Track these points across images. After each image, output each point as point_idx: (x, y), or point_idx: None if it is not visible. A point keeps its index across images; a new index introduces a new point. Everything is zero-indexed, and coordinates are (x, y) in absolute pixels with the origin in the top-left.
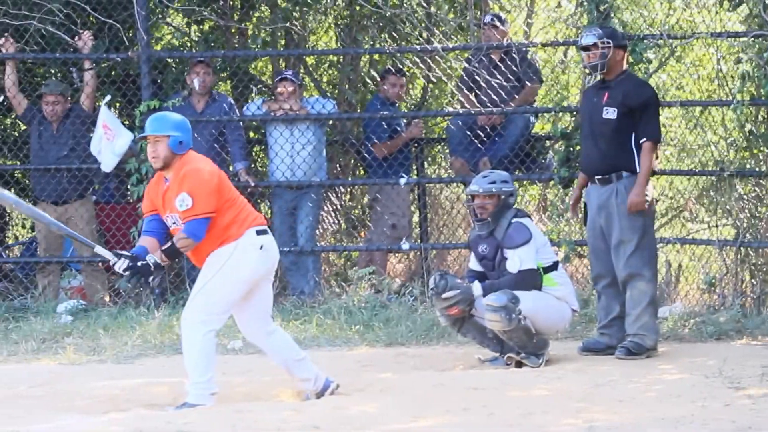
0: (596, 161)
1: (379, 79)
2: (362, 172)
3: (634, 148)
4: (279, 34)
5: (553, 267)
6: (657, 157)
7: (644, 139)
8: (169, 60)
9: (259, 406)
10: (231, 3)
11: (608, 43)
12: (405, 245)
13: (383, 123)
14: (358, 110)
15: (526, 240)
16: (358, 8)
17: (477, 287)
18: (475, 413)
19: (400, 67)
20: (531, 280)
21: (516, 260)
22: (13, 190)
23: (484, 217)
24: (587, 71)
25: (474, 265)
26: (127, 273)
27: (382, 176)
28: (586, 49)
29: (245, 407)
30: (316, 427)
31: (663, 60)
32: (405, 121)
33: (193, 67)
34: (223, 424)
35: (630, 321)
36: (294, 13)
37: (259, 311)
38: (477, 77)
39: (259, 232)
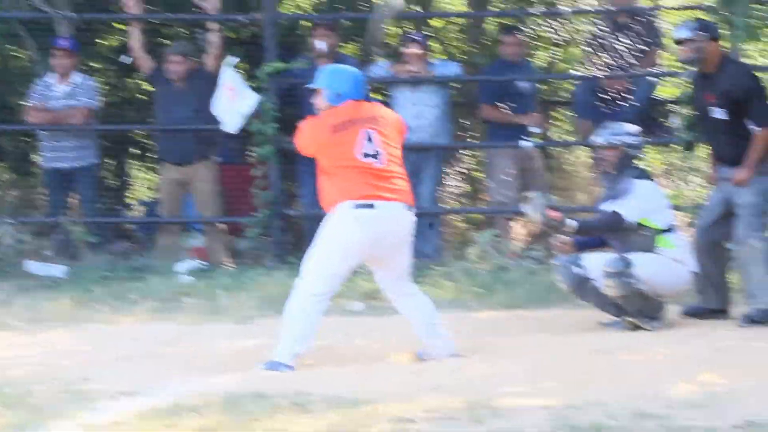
0: (721, 152)
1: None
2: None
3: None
4: None
5: (671, 229)
6: None
7: (756, 126)
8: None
9: (378, 368)
10: None
11: (702, 35)
12: (524, 205)
13: (497, 85)
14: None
15: (625, 191)
16: None
17: (572, 222)
18: (596, 377)
19: (518, 27)
20: (614, 221)
21: (610, 205)
22: (136, 152)
23: (606, 169)
24: (680, 65)
25: None
26: None
27: (503, 139)
28: (680, 43)
29: (365, 368)
30: (437, 387)
31: None
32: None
33: (317, 30)
34: (343, 386)
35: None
36: None
37: (391, 275)
38: (603, 41)
39: (358, 206)
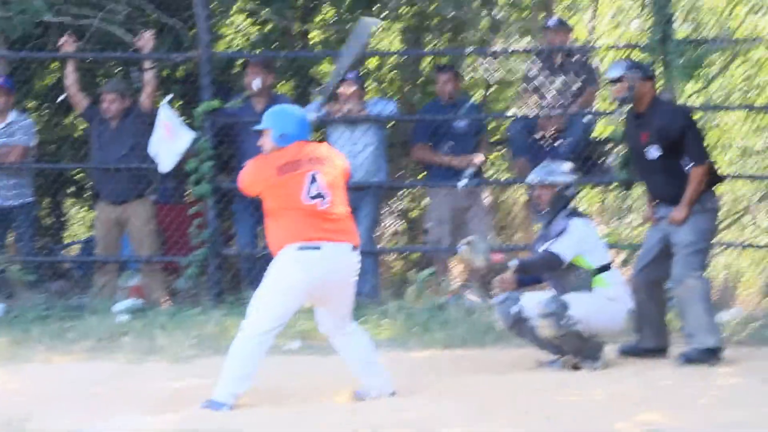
0: (657, 191)
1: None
2: (423, 174)
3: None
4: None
5: (606, 268)
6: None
7: (691, 164)
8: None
9: (317, 408)
10: (292, 4)
11: (635, 74)
12: (462, 248)
13: (431, 125)
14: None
15: (559, 231)
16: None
17: (512, 262)
18: (533, 416)
19: (450, 65)
20: (552, 261)
21: (547, 245)
22: (72, 190)
23: (541, 208)
24: (615, 104)
25: None
26: None
27: (442, 178)
28: (613, 82)
29: (302, 409)
30: (374, 429)
31: (726, 63)
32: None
33: (252, 68)
34: (281, 426)
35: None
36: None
37: (334, 315)
38: (539, 80)
39: (304, 248)
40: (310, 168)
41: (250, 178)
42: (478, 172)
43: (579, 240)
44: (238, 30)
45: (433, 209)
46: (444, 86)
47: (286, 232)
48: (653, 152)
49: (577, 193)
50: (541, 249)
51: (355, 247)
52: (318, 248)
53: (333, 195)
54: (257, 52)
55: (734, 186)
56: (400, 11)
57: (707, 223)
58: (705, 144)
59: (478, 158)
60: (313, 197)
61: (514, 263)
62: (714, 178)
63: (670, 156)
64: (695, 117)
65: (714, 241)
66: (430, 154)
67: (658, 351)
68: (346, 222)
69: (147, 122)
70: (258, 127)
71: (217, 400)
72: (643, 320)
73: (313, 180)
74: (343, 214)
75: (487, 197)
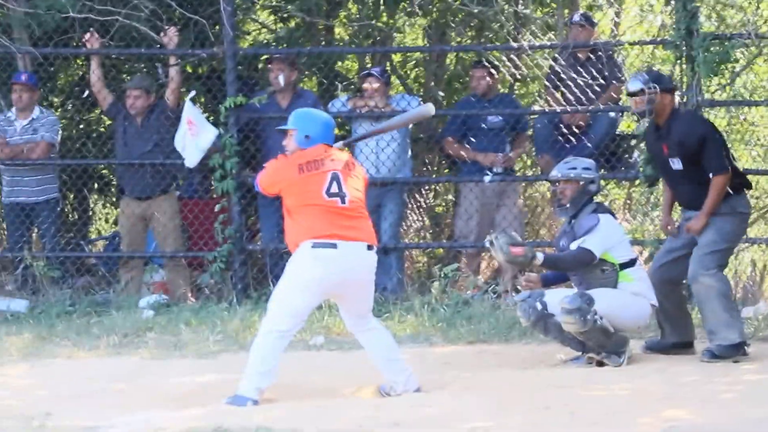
0: (683, 199)
1: (465, 78)
2: (447, 170)
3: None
4: (365, 31)
5: (630, 264)
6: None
7: (711, 174)
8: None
9: (340, 403)
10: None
11: (654, 88)
12: (487, 242)
13: (463, 121)
14: (444, 108)
15: (590, 227)
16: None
17: (540, 255)
18: (557, 412)
19: (487, 61)
20: (585, 258)
21: (578, 242)
22: (97, 185)
23: (563, 203)
24: (636, 117)
25: None
26: None
27: (467, 174)
28: (632, 95)
29: (326, 404)
30: (396, 425)
31: (751, 59)
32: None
33: (276, 64)
34: (303, 420)
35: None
36: (381, 10)
37: (354, 312)
38: (563, 76)
39: (321, 245)
40: (332, 168)
41: (270, 178)
42: (508, 169)
43: (607, 235)
44: (262, 26)
45: (461, 204)
46: (479, 82)
47: (303, 228)
48: (676, 164)
49: (601, 189)
50: (571, 245)
51: (371, 246)
52: (335, 246)
53: (352, 196)
54: (281, 47)
55: (759, 182)
56: (423, 8)
57: (733, 225)
58: (726, 151)
59: (504, 158)
60: (332, 195)
61: (539, 257)
62: (743, 181)
63: (694, 166)
64: (716, 122)
65: None
66: (457, 148)
67: (684, 345)
68: (363, 222)
69: (171, 118)
70: (283, 127)
71: (242, 394)
72: (663, 316)
73: (334, 180)
74: (362, 214)
75: (516, 194)
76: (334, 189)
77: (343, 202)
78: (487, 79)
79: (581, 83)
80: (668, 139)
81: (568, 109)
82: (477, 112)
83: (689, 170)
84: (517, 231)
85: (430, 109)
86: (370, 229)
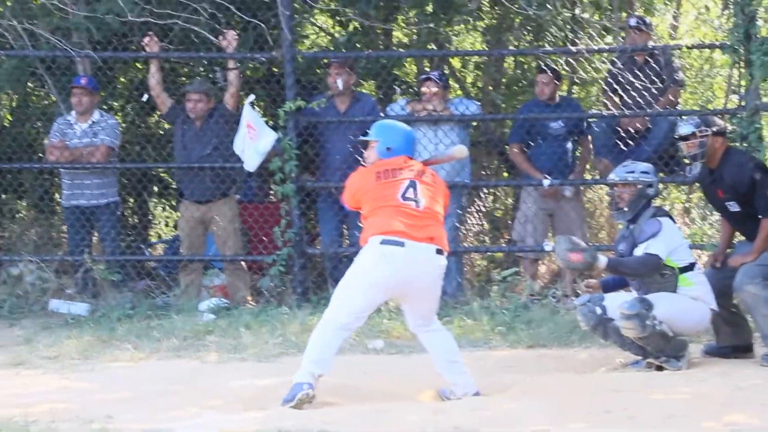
0: (749, 236)
1: (524, 82)
2: (506, 174)
3: None
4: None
5: (690, 268)
6: None
7: (761, 216)
8: (317, 60)
9: (399, 406)
10: (376, 4)
11: (705, 131)
12: (547, 246)
13: (528, 125)
14: (503, 112)
15: (654, 232)
16: (501, 9)
17: (603, 259)
18: (616, 416)
19: (548, 66)
20: (653, 264)
21: (642, 247)
22: (156, 189)
23: (621, 207)
24: (687, 161)
25: None
26: None
27: (526, 178)
28: (684, 139)
29: (385, 407)
30: (456, 428)
31: None
32: (562, 123)
33: (335, 68)
34: (363, 424)
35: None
36: (440, 15)
37: (417, 314)
38: (621, 79)
39: (388, 242)
40: (410, 176)
41: (351, 190)
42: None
43: (670, 239)
44: (321, 30)
45: (520, 208)
46: (544, 87)
47: (375, 225)
48: (733, 207)
49: (659, 192)
50: (635, 251)
51: (440, 251)
52: (402, 245)
53: (428, 203)
54: (340, 51)
55: None
56: (482, 11)
57: None
58: None
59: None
60: (407, 199)
61: (602, 260)
62: None
63: (749, 206)
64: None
65: None
66: (520, 157)
67: (743, 349)
68: (436, 228)
69: (230, 122)
70: (365, 138)
71: (297, 381)
72: (721, 320)
73: (411, 186)
74: (436, 221)
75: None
76: (410, 194)
77: (418, 206)
78: (554, 84)
79: (639, 87)
80: (722, 183)
81: (627, 113)
82: (541, 116)
83: (748, 210)
84: (578, 235)
85: (463, 151)
86: (441, 235)
